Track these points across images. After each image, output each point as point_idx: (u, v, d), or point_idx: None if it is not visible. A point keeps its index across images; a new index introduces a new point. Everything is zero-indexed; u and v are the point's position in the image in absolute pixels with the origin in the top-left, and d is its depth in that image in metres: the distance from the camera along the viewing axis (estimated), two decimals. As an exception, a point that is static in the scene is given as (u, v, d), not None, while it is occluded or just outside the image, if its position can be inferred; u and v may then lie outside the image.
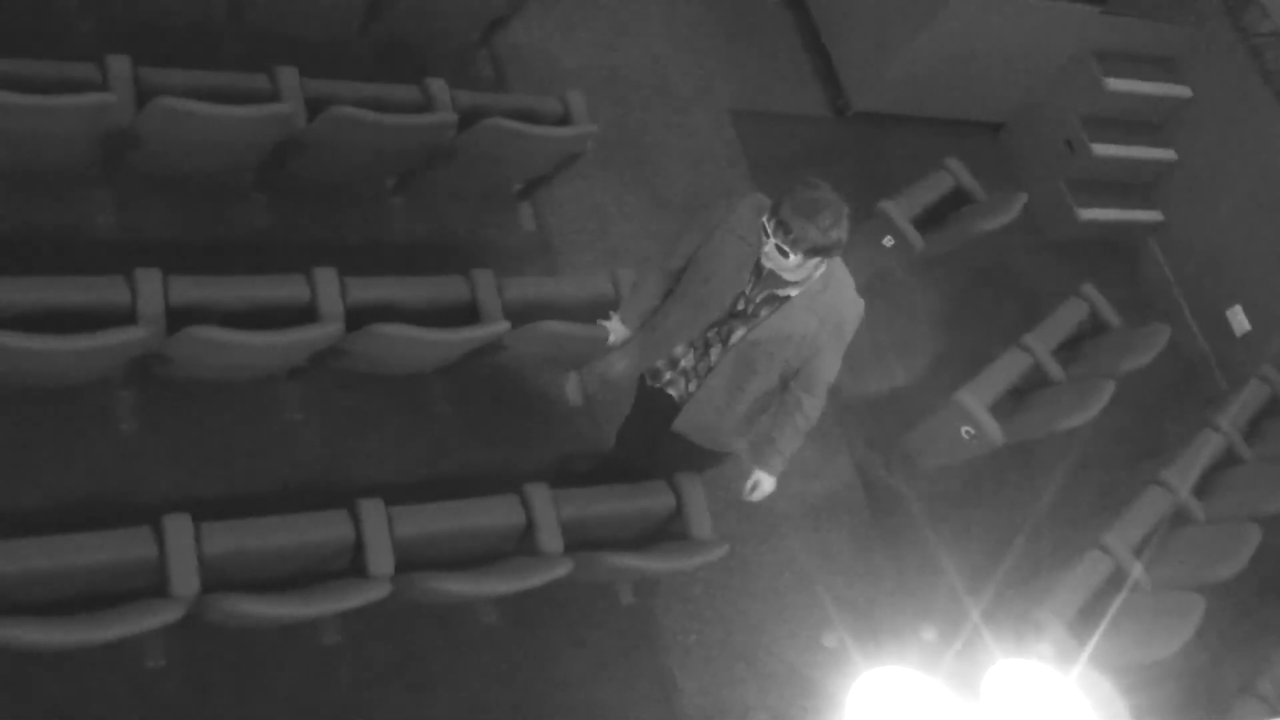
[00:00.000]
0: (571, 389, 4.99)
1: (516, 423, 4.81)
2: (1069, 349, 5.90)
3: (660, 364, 3.85)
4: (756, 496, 4.00)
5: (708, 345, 3.69)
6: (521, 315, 4.32)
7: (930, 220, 5.89)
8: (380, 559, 3.59)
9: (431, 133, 4.55)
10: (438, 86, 4.74)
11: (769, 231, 3.26)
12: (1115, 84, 6.86)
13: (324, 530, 3.61)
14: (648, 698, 4.42)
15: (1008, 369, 5.51)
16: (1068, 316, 5.98)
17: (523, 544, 3.95)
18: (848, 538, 5.23)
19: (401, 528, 3.68)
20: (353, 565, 3.67)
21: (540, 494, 3.92)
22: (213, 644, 3.80)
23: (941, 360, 5.87)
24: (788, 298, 3.48)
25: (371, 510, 3.66)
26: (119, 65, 4.21)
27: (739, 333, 3.58)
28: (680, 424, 3.88)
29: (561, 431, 4.88)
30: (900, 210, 5.73)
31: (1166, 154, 7.20)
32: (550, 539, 3.87)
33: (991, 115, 7.31)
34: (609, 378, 4.69)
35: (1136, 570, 4.96)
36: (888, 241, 5.70)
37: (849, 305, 3.57)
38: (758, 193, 3.63)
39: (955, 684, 1.84)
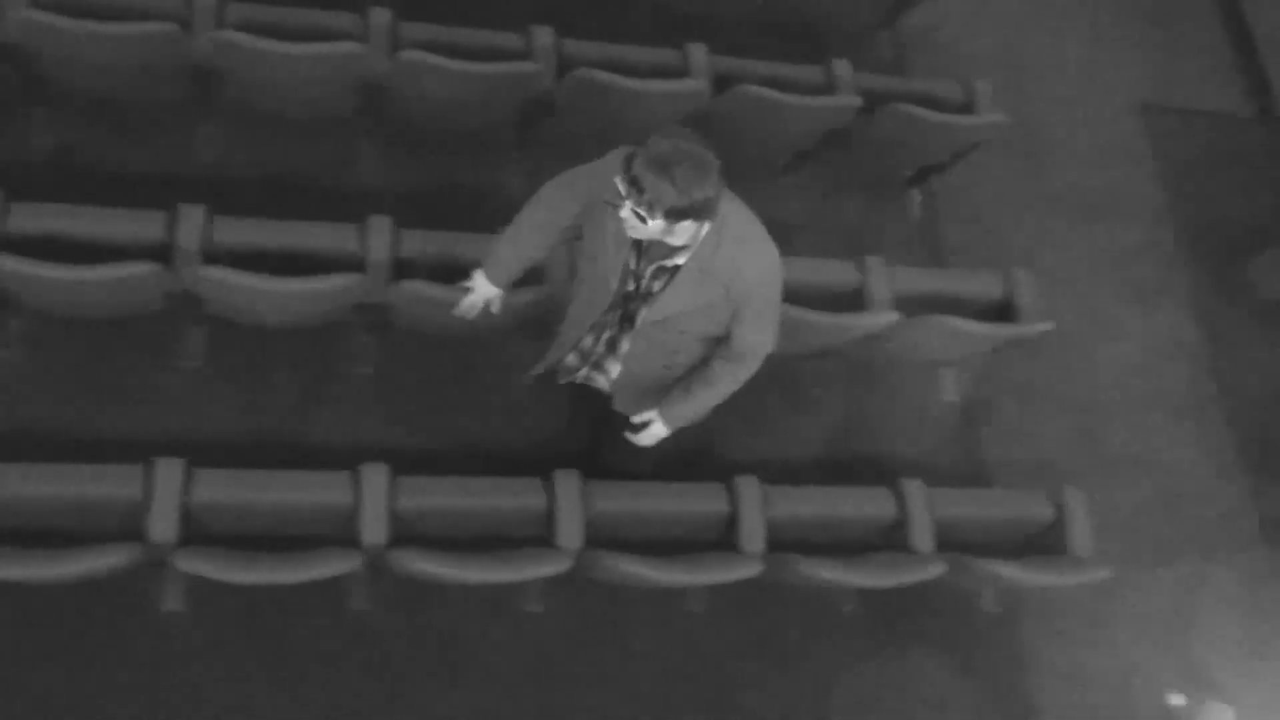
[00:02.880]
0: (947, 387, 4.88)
1: (891, 413, 4.75)
2: None
3: (571, 358, 3.43)
4: (644, 438, 3.36)
5: (605, 328, 3.25)
6: (911, 306, 4.25)
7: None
8: (754, 537, 3.64)
9: (833, 115, 4.52)
10: (842, 68, 4.71)
11: (624, 193, 2.69)
12: None
13: (701, 502, 3.69)
14: (1004, 711, 4.27)
15: None
16: None
17: (893, 538, 3.90)
18: (1238, 574, 4.84)
19: (776, 508, 3.71)
20: (726, 538, 3.74)
21: (916, 490, 3.85)
22: (588, 597, 3.97)
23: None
24: (677, 267, 2.91)
25: (747, 487, 3.71)
26: (543, 35, 4.43)
27: (641, 314, 3.07)
28: (620, 405, 3.48)
29: (938, 428, 4.78)
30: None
31: None
32: (923, 537, 3.80)
33: None
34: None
35: None
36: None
37: (753, 261, 2.91)
38: (626, 146, 2.95)
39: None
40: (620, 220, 2.79)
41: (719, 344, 3.14)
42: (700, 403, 3.23)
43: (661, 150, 2.62)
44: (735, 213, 2.88)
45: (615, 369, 3.35)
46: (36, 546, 3.14)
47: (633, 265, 2.97)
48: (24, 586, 3.35)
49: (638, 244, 2.92)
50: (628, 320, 3.13)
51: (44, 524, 3.29)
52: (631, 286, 3.02)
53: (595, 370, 3.44)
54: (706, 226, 2.79)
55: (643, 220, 2.68)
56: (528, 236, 3.26)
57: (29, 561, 3.02)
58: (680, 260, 2.88)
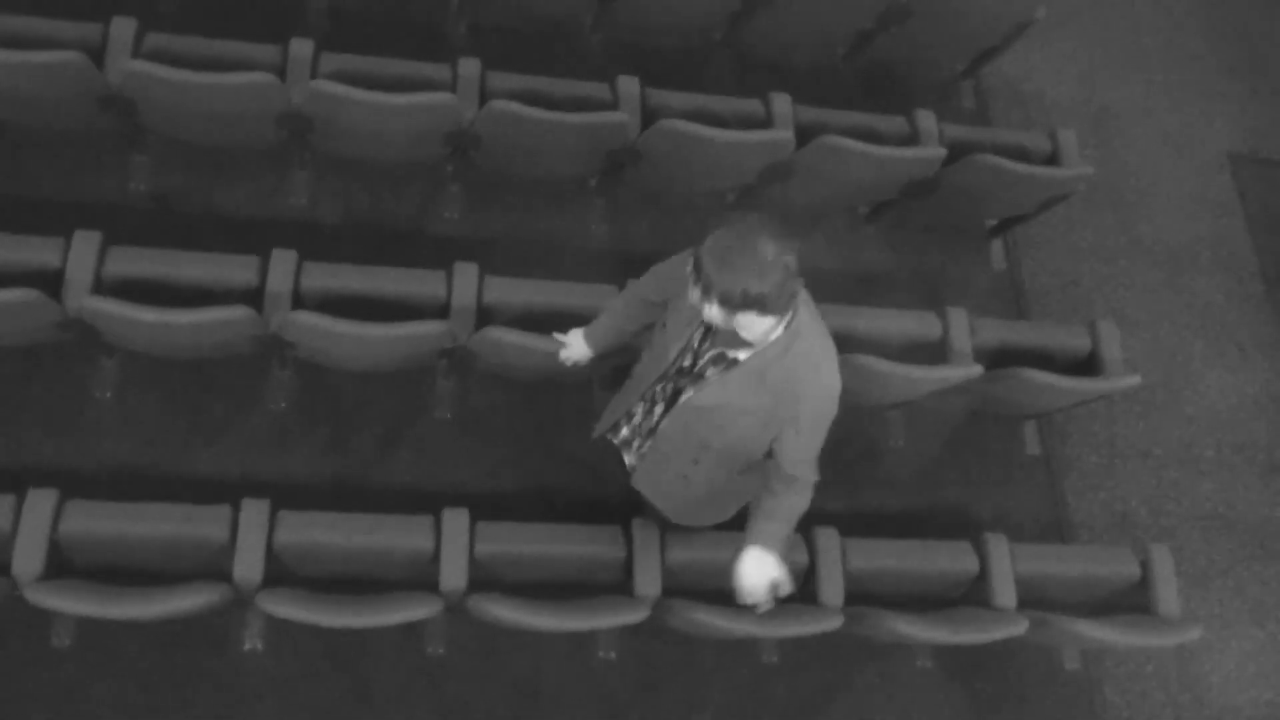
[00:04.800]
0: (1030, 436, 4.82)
1: (971, 466, 4.69)
2: None
3: (624, 427, 3.34)
4: (765, 595, 2.93)
5: (654, 401, 3.13)
6: (993, 359, 4.22)
7: None
8: (833, 589, 3.61)
9: (916, 165, 4.51)
10: (926, 119, 4.70)
11: (689, 276, 2.63)
12: None
13: (780, 553, 3.67)
14: (1086, 772, 4.20)
15: None
16: None
17: (973, 593, 3.85)
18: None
19: (854, 560, 3.68)
20: (803, 590, 3.71)
21: (998, 545, 3.80)
22: (661, 645, 3.97)
23: None
24: (736, 360, 2.82)
25: (826, 539, 3.69)
26: (629, 85, 4.47)
27: (686, 394, 2.96)
28: (638, 482, 3.36)
29: (1019, 482, 4.71)
30: None
31: None
32: (1005, 594, 3.74)
33: None
34: None
35: None
36: None
37: (812, 383, 2.78)
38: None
39: None
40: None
41: (744, 475, 3.09)
42: (782, 516, 2.97)
43: (727, 240, 2.55)
44: (811, 328, 2.78)
45: (647, 445, 3.24)
46: (122, 583, 3.22)
47: (695, 343, 2.91)
48: (108, 622, 3.42)
49: (710, 325, 2.81)
50: (675, 396, 3.02)
51: (130, 561, 3.36)
52: (688, 362, 2.94)
53: (636, 437, 3.30)
54: (779, 330, 2.71)
55: (706, 304, 2.62)
56: (623, 309, 3.30)
57: (120, 600, 3.08)
58: (742, 355, 2.80)
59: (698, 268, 2.58)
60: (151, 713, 3.64)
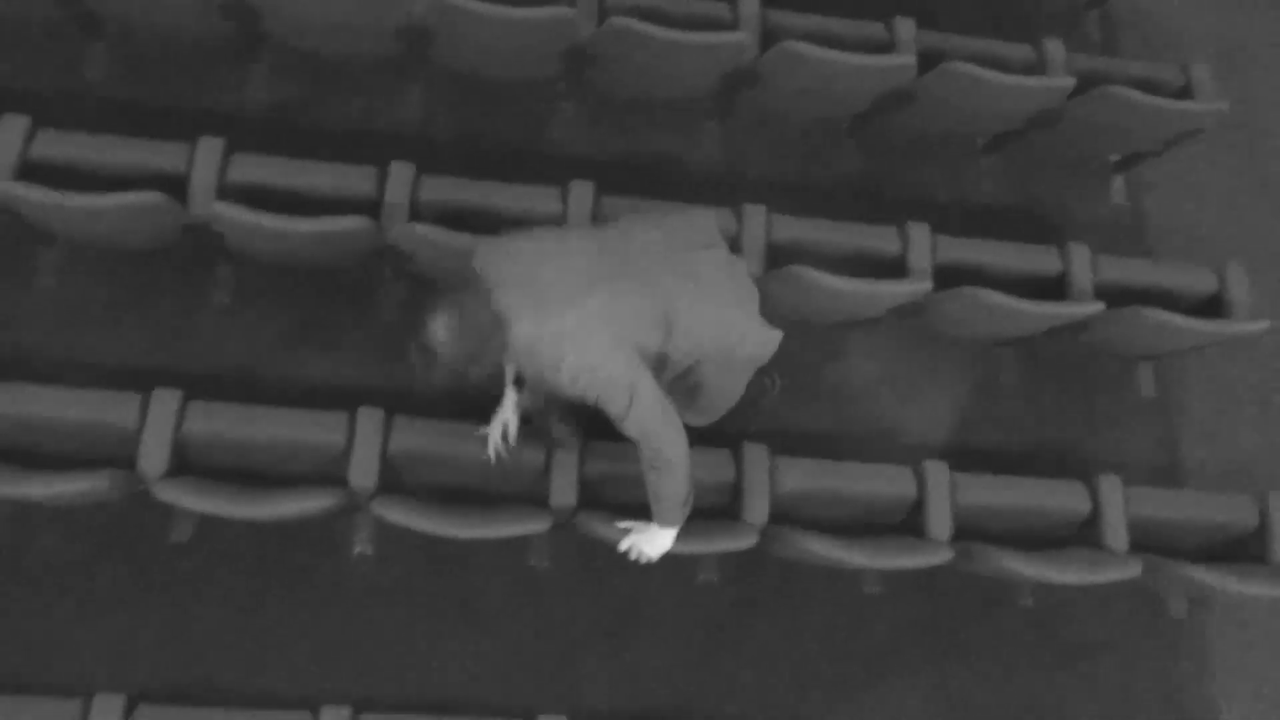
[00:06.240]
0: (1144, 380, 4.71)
1: (1084, 406, 4.59)
2: None
3: None
4: (636, 552, 3.22)
5: None
6: (1113, 298, 4.12)
7: None
8: (941, 523, 3.58)
9: (1043, 96, 4.36)
10: (1054, 48, 4.55)
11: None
12: None
13: (888, 484, 3.64)
14: (1188, 718, 4.13)
15: None
16: None
17: (1082, 534, 3.79)
18: None
19: (964, 495, 3.64)
20: (907, 522, 3.69)
21: (1113, 487, 3.73)
22: (763, 569, 3.98)
23: None
24: None
25: (935, 472, 3.65)
26: (749, 6, 4.39)
27: None
28: None
29: (1132, 424, 4.61)
30: None
31: None
32: (1117, 536, 3.68)
33: None
34: None
35: None
36: None
37: (566, 365, 2.76)
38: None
39: None
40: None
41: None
42: (660, 502, 3.04)
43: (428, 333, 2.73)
44: (579, 332, 2.75)
45: None
46: (235, 483, 3.29)
47: None
48: (224, 520, 3.50)
49: None
50: None
51: (245, 463, 3.43)
52: None
53: None
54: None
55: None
56: None
57: (241, 500, 3.15)
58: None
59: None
60: (262, 609, 3.74)
